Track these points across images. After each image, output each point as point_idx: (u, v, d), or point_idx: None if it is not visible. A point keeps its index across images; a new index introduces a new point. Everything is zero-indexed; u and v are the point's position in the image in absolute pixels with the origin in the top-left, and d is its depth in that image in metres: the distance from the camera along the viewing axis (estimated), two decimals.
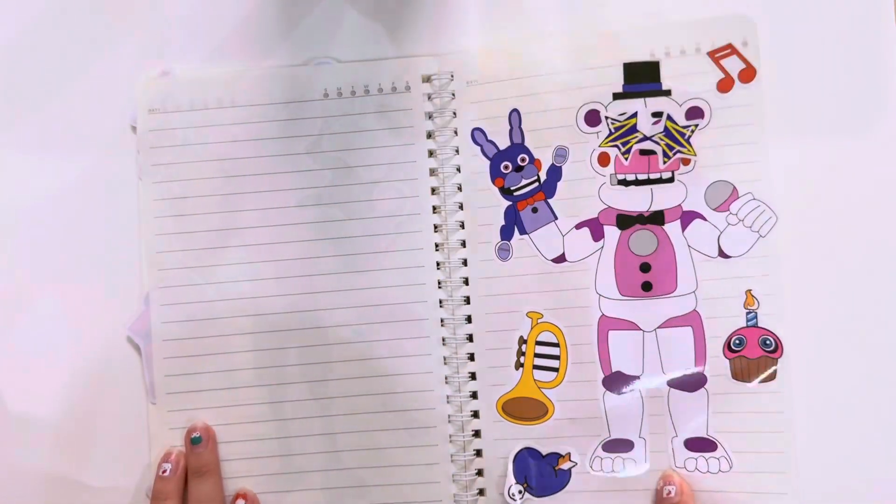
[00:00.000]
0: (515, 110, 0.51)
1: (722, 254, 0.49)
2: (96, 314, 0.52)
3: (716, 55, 0.49)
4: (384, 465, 0.51)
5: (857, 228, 0.48)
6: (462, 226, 0.52)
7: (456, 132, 0.52)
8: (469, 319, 0.52)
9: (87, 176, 0.53)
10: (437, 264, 0.52)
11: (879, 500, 0.47)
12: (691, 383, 0.49)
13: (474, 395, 0.51)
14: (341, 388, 0.52)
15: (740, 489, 0.48)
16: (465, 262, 0.52)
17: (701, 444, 0.48)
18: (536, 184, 0.51)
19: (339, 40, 0.53)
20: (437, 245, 0.52)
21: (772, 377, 0.48)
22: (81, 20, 0.53)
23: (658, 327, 0.49)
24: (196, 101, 0.53)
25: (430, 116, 0.52)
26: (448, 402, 0.51)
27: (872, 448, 0.47)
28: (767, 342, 0.48)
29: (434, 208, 0.52)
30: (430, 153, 0.52)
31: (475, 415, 0.51)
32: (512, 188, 0.51)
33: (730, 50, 0.49)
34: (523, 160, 0.51)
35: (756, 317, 0.48)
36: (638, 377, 0.49)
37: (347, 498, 0.51)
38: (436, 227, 0.52)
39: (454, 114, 0.52)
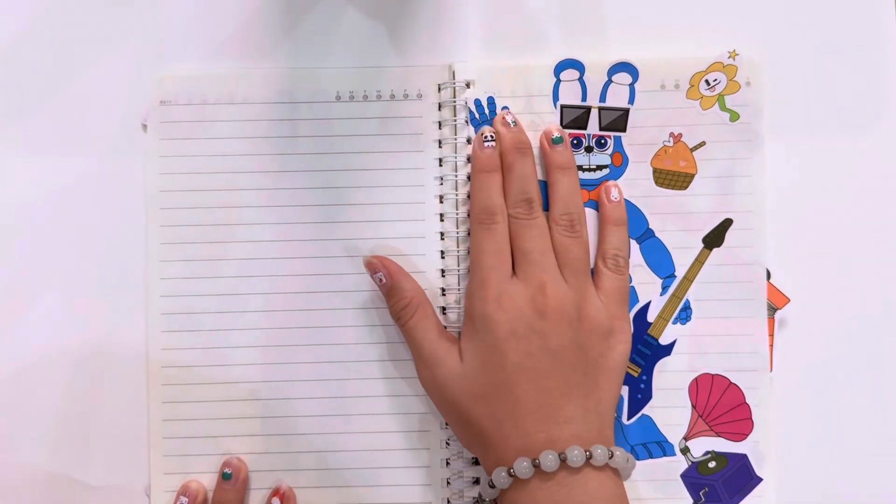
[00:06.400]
0: None
1: None
2: (99, 312, 0.51)
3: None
4: (377, 466, 0.50)
5: (835, 250, 0.51)
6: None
7: (469, 140, 0.50)
8: None
9: (89, 175, 0.51)
10: (442, 272, 0.50)
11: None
12: None
13: None
14: (339, 390, 0.50)
15: None
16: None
17: None
18: None
19: (340, 44, 0.51)
20: (442, 271, 0.50)
21: None
22: (85, 19, 0.52)
23: None
24: (209, 95, 0.51)
25: (440, 126, 0.51)
26: (446, 426, 0.50)
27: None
28: None
29: (441, 217, 0.50)
30: (440, 162, 0.51)
31: None
32: None
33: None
34: None
35: None
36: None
37: (338, 495, 0.50)
38: (442, 253, 0.50)
39: (468, 140, 0.50)
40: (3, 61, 0.52)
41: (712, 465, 0.49)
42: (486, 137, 0.49)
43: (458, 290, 0.50)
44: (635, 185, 0.50)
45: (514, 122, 0.49)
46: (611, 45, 0.51)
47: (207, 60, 0.51)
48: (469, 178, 0.50)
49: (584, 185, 0.50)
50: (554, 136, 0.49)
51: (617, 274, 0.48)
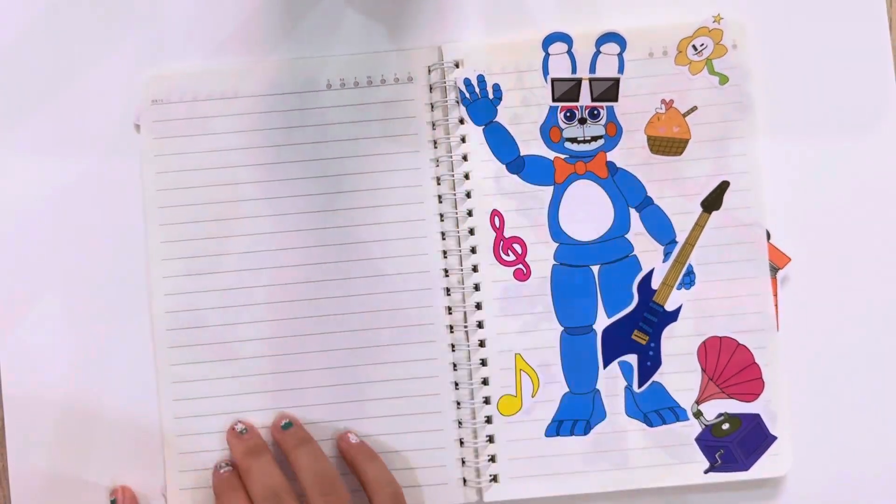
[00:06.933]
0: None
1: None
2: (100, 312, 0.51)
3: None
4: (391, 450, 0.50)
5: (834, 228, 0.51)
6: (472, 232, 0.50)
7: (463, 139, 0.51)
8: (481, 325, 0.50)
9: (90, 176, 0.51)
10: (445, 272, 0.50)
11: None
12: None
13: (487, 401, 0.50)
14: (349, 376, 0.50)
15: None
16: (474, 269, 0.50)
17: None
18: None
19: (340, 39, 0.51)
20: (444, 252, 0.50)
21: None
22: (80, 20, 0.52)
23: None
24: (200, 91, 0.51)
25: (432, 108, 0.51)
26: (459, 407, 0.50)
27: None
28: None
29: (441, 216, 0.50)
30: (434, 143, 0.51)
31: (489, 420, 0.50)
32: None
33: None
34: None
35: None
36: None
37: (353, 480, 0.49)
38: (443, 234, 0.50)
39: (461, 121, 0.51)
40: (3, 61, 0.51)
41: (726, 426, 0.49)
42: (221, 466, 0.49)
43: (462, 288, 0.50)
44: (631, 154, 0.50)
45: (243, 430, 0.49)
46: (597, 16, 0.51)
47: (207, 60, 0.51)
48: (468, 175, 0.50)
49: (581, 156, 0.50)
50: (283, 423, 0.49)
51: None
